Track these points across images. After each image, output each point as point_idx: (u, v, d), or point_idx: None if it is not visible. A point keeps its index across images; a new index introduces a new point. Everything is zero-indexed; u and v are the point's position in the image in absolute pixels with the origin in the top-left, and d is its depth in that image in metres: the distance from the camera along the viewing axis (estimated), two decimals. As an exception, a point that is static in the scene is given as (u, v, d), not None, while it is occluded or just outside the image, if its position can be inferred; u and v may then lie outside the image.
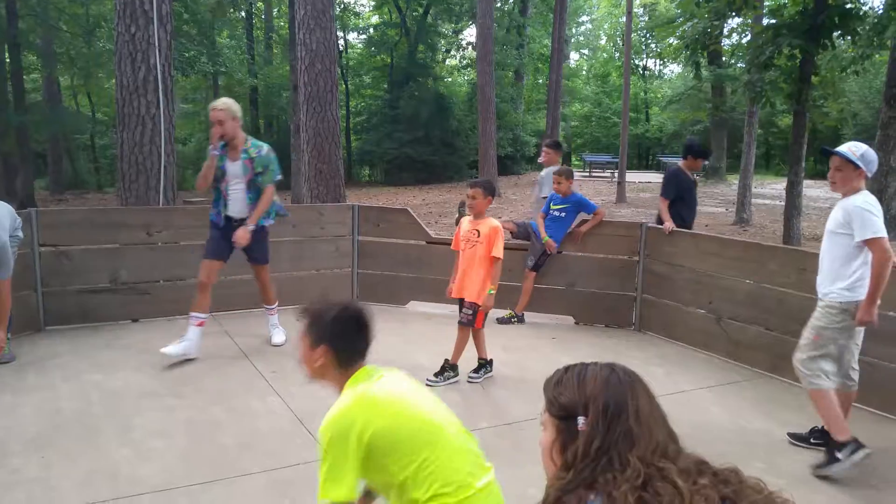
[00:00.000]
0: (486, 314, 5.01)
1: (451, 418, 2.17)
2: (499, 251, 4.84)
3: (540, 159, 7.48)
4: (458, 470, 2.05)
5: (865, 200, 3.77)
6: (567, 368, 1.57)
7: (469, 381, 5.03)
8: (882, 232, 3.71)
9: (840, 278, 3.84)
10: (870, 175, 3.87)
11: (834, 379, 3.85)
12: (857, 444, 3.70)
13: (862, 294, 3.76)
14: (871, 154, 3.84)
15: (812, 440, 4.12)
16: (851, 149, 3.85)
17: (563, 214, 6.69)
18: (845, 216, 3.80)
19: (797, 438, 4.18)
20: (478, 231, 4.92)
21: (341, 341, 2.16)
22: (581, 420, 1.47)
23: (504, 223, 6.78)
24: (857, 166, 3.80)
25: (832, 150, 3.91)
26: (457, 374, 5.05)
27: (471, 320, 4.95)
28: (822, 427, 4.00)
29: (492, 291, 4.89)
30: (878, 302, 3.75)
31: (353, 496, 2.01)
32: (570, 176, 6.79)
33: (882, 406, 4.64)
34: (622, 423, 1.44)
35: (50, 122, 22.72)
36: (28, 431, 4.03)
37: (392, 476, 2.02)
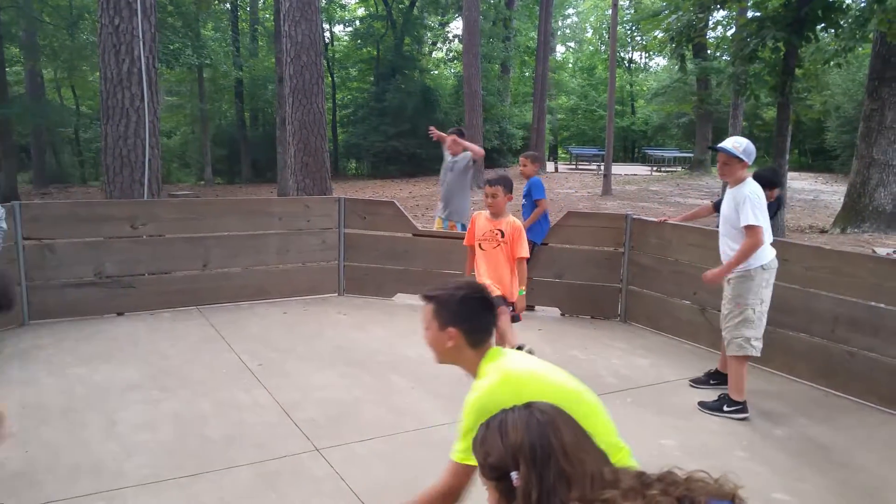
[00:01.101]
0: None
1: (583, 386, 2.18)
2: (525, 251, 4.73)
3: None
4: (606, 432, 2.06)
5: (752, 191, 4.29)
6: (488, 423, 1.54)
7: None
8: (758, 221, 4.21)
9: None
10: (750, 163, 4.37)
11: (756, 344, 4.40)
12: (745, 407, 4.40)
13: (754, 263, 4.32)
14: (751, 147, 4.38)
15: (711, 381, 4.89)
16: (735, 144, 4.38)
17: (524, 201, 6.71)
18: (736, 203, 4.33)
19: (698, 382, 4.95)
20: (501, 231, 4.75)
21: (471, 322, 2.18)
22: (514, 476, 1.44)
23: None
24: (740, 159, 4.32)
25: (717, 146, 4.49)
26: None
27: (516, 316, 4.83)
28: (717, 370, 4.91)
29: (522, 292, 4.77)
30: (728, 274, 4.40)
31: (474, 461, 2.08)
32: (535, 160, 6.88)
33: (860, 394, 4.70)
34: (553, 466, 1.42)
35: (33, 115, 22.51)
36: (12, 426, 4.01)
37: None
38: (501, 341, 4.65)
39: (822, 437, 4.17)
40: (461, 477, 2.11)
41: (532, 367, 2.17)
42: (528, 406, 1.52)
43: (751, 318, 4.37)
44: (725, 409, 4.41)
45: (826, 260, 4.90)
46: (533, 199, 6.58)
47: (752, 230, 4.23)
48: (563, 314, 6.81)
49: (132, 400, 4.43)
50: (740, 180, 4.37)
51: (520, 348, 4.83)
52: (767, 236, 4.36)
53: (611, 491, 1.38)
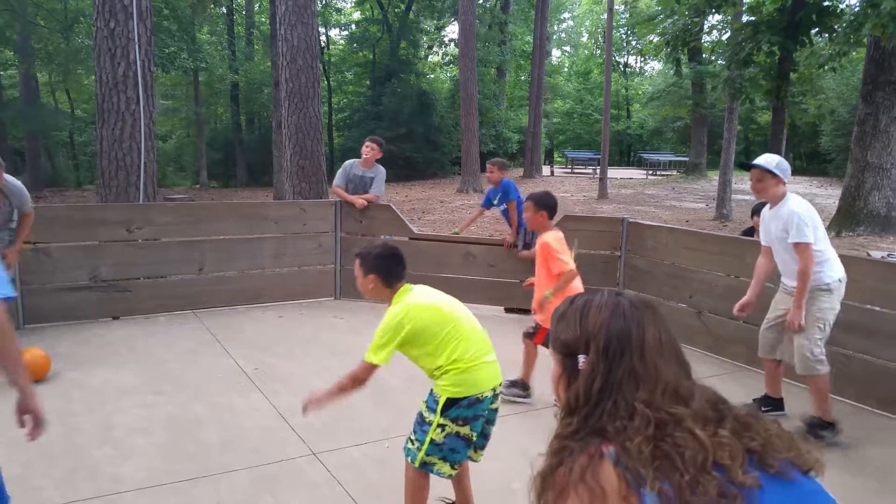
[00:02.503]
0: (546, 333, 4.56)
1: (466, 313, 3.00)
2: (558, 266, 4.37)
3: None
4: (468, 349, 2.87)
5: (798, 205, 4.09)
6: (572, 300, 1.45)
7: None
8: (806, 238, 4.00)
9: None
10: (786, 181, 4.17)
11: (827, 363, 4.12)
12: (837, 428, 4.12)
13: (834, 275, 4.10)
14: (785, 163, 4.19)
15: (763, 408, 4.46)
16: (768, 159, 4.20)
17: (504, 206, 6.86)
18: (784, 223, 4.10)
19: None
20: (538, 247, 4.59)
21: (382, 271, 3.00)
22: (581, 359, 1.36)
23: (505, 237, 6.84)
24: (774, 174, 4.13)
25: (750, 163, 4.26)
26: (527, 394, 4.74)
27: (530, 333, 4.70)
28: (766, 395, 4.55)
29: (548, 294, 4.46)
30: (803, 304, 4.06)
31: (385, 362, 2.89)
32: (502, 167, 6.95)
33: (857, 397, 4.71)
34: (625, 363, 1.33)
35: (28, 119, 22.45)
36: (7, 431, 3.99)
37: (422, 349, 2.91)
38: (525, 367, 4.70)
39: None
40: (367, 371, 2.91)
41: (428, 298, 2.97)
42: (619, 294, 1.44)
43: (827, 334, 4.13)
44: (825, 435, 4.09)
45: (822, 263, 4.91)
46: (508, 201, 6.78)
47: (801, 249, 4.01)
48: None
49: (128, 404, 4.42)
50: (779, 197, 4.18)
51: (525, 386, 4.77)
52: (829, 247, 4.17)
53: (681, 408, 1.29)
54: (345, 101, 34.20)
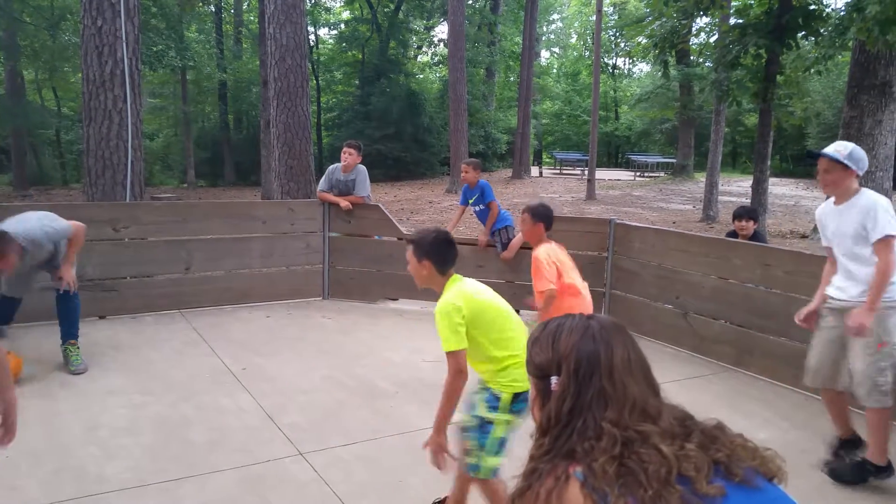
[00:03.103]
0: None
1: (510, 308, 3.02)
2: (539, 284, 4.13)
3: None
4: (521, 342, 2.83)
5: (876, 197, 3.51)
6: (545, 324, 1.52)
7: None
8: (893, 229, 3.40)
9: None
10: (860, 173, 3.54)
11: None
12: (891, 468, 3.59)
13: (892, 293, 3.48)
14: (859, 152, 3.56)
15: (848, 458, 3.79)
16: (838, 148, 3.58)
17: (481, 207, 6.90)
18: (862, 216, 3.52)
19: (837, 474, 3.72)
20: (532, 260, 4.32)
21: (437, 256, 2.99)
22: (553, 380, 1.42)
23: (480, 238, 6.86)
24: (846, 166, 3.52)
25: (818, 151, 3.67)
26: None
27: None
28: (843, 438, 3.83)
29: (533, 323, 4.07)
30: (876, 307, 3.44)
31: (464, 345, 2.82)
32: (477, 167, 6.99)
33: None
34: (594, 384, 1.38)
35: (13, 117, 22.27)
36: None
37: (486, 336, 2.87)
38: None
39: (802, 440, 4.21)
40: (457, 358, 2.81)
41: (479, 289, 3.00)
42: (590, 317, 1.49)
43: (894, 359, 3.51)
44: (873, 479, 3.60)
45: (807, 265, 4.94)
46: (487, 202, 6.80)
47: (885, 244, 3.39)
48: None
49: (114, 404, 4.40)
50: (851, 192, 3.57)
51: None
52: None
53: (648, 425, 1.33)
54: (334, 100, 34.14)
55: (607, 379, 1.38)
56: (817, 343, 3.81)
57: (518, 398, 2.84)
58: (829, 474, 3.68)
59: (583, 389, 1.38)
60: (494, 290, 3.09)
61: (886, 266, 3.39)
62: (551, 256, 4.17)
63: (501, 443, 2.86)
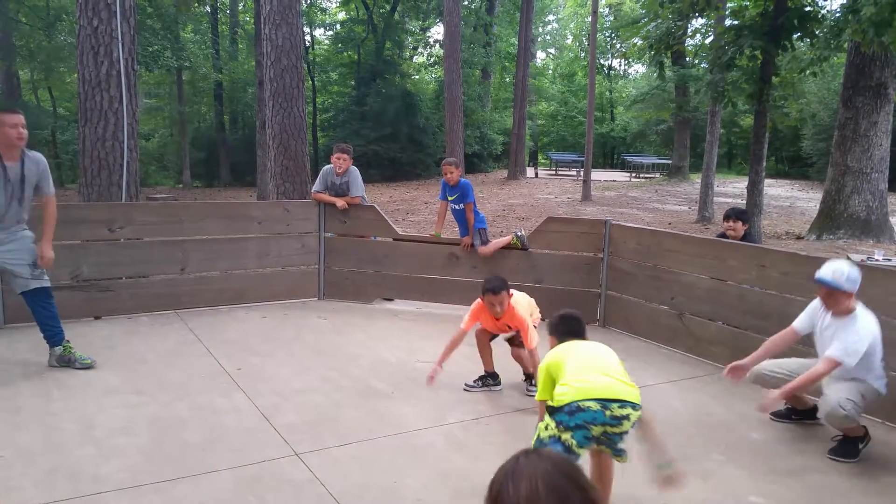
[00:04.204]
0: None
1: (601, 364, 3.24)
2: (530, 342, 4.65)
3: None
4: (583, 369, 3.18)
5: (863, 327, 3.88)
6: (503, 467, 1.42)
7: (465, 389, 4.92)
8: (848, 360, 3.81)
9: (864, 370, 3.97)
10: (855, 292, 3.92)
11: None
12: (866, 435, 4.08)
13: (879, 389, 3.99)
14: (855, 273, 3.92)
15: (793, 417, 4.49)
16: (835, 274, 3.90)
17: (459, 206, 6.89)
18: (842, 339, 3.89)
19: (778, 415, 4.53)
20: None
21: (558, 331, 3.53)
22: None
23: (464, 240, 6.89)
24: (844, 290, 3.88)
25: (819, 279, 3.96)
26: (497, 382, 5.01)
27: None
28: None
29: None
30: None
31: (547, 397, 3.28)
32: (457, 165, 6.98)
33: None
34: None
35: (8, 117, 22.15)
36: (-13, 430, 3.96)
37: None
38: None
39: (798, 440, 4.23)
40: (542, 409, 3.34)
41: (567, 352, 3.33)
42: (543, 455, 1.44)
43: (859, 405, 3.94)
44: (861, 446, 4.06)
45: (802, 266, 4.96)
46: (466, 203, 6.81)
47: (831, 363, 3.84)
48: (542, 319, 6.82)
49: (110, 404, 4.39)
50: (848, 312, 3.94)
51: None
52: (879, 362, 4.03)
53: None
54: (329, 101, 34.10)
55: None
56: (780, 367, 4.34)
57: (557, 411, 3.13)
58: (831, 452, 4.05)
59: None
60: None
61: (815, 375, 3.87)
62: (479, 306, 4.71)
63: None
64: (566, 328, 3.54)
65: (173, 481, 3.46)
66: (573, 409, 3.00)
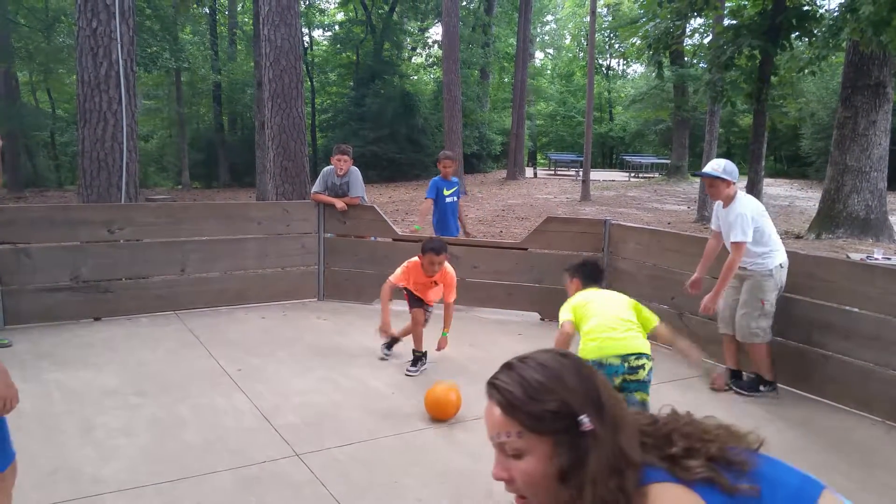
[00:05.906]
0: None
1: (614, 309, 3.75)
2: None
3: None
4: (605, 328, 3.62)
5: (743, 206, 4.64)
6: (521, 380, 1.31)
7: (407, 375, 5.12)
8: (745, 238, 4.56)
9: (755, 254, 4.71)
10: (734, 181, 4.72)
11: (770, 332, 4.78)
12: (775, 386, 4.83)
13: (772, 263, 4.69)
14: (731, 165, 4.72)
15: (761, 388, 4.89)
16: (714, 167, 4.71)
17: (455, 199, 7.22)
18: (728, 224, 4.69)
19: (740, 388, 4.97)
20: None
21: (582, 275, 4.03)
22: (585, 420, 1.22)
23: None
24: (723, 179, 4.67)
25: (699, 172, 4.91)
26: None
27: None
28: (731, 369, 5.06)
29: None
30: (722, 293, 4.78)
31: (574, 320, 3.70)
32: (454, 159, 7.29)
33: (835, 397, 4.77)
34: (609, 411, 1.26)
35: (7, 119, 22.21)
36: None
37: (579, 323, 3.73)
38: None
39: (798, 439, 4.23)
40: (564, 335, 3.66)
41: (590, 296, 3.83)
42: (550, 351, 1.36)
43: (768, 311, 4.73)
44: (762, 388, 4.82)
45: (801, 265, 4.96)
46: (460, 195, 7.26)
47: (736, 247, 4.61)
48: (542, 319, 6.84)
49: (109, 405, 4.39)
50: (730, 198, 4.74)
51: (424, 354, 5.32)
52: (775, 240, 4.74)
53: (647, 437, 1.29)
54: (328, 101, 34.14)
55: (615, 405, 1.30)
56: (724, 299, 4.91)
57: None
58: (734, 386, 4.93)
59: (606, 419, 1.25)
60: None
61: (731, 263, 4.65)
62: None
63: None
64: (589, 272, 4.02)
65: (174, 482, 3.46)
66: (597, 365, 3.34)
